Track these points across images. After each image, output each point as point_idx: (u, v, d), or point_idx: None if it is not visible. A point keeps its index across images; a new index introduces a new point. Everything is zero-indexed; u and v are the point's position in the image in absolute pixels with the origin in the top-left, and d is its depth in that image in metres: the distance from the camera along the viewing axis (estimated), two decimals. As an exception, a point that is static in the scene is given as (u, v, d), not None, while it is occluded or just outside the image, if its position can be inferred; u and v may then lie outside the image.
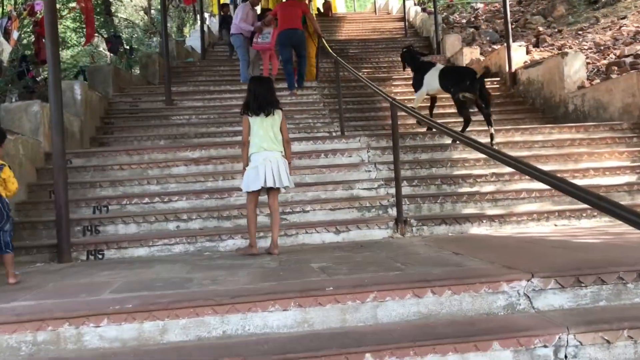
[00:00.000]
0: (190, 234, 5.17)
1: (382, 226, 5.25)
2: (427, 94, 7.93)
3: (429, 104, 8.23)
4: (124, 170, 6.33)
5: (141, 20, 20.75)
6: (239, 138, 8.40)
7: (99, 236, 5.30)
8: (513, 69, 10.08)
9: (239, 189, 5.81)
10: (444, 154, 6.65)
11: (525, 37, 13.75)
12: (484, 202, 5.73)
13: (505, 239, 4.83)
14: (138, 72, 12.77)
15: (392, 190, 5.89)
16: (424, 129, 7.83)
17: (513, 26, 15.80)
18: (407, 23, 17.78)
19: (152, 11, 20.30)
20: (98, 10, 14.73)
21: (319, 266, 3.74)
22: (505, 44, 10.63)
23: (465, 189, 5.98)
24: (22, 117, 6.46)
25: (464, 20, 18.12)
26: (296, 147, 6.80)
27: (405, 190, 5.89)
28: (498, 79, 10.53)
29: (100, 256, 4.99)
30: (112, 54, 13.97)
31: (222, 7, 14.75)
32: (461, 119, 7.23)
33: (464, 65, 12.52)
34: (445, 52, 13.89)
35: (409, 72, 12.26)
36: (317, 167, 6.31)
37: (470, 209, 5.65)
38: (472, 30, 16.14)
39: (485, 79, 7.70)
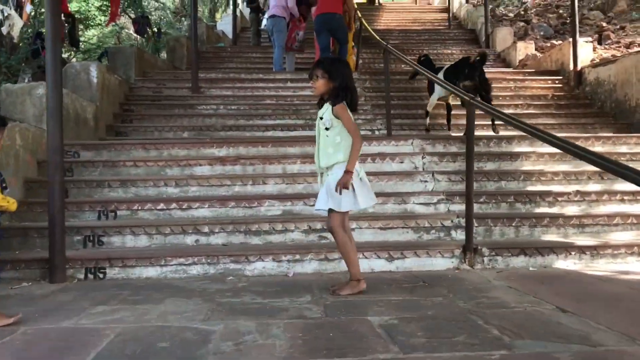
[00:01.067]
0: (211, 251, 4.19)
1: (445, 254, 4.21)
2: (441, 100, 7.28)
3: (445, 114, 7.42)
4: (138, 167, 5.37)
5: (172, 2, 19.84)
6: (271, 134, 7.47)
7: (102, 249, 4.36)
8: (579, 67, 8.88)
9: (271, 197, 4.85)
10: (514, 164, 5.57)
11: (583, 33, 12.47)
12: (568, 227, 4.64)
13: (611, 282, 3.75)
14: (165, 56, 11.86)
15: (455, 208, 4.85)
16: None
17: (568, 21, 14.51)
18: (450, 14, 16.56)
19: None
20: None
21: (381, 323, 2.72)
22: (569, 40, 9.44)
23: (544, 209, 4.90)
24: (26, 101, 5.55)
25: (511, 14, 16.83)
26: (338, 148, 5.79)
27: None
28: (560, 77, 9.33)
29: (101, 275, 4.03)
30: (139, 36, 13.07)
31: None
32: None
33: (517, 60, 11.35)
34: (495, 47, 12.70)
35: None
36: (364, 173, 5.30)
37: (552, 236, 4.58)
38: (522, 24, 14.88)
39: (485, 64, 7.21)
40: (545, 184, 5.24)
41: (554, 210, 4.88)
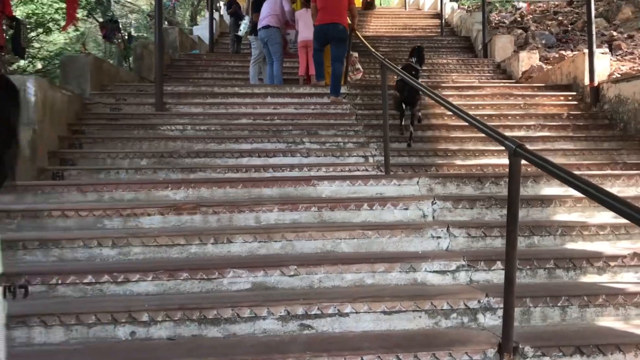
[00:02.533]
0: (151, 351, 2.97)
1: (474, 355, 3.01)
2: None
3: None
4: (68, 218, 4.09)
5: (148, 4, 18.52)
6: (247, 162, 6.19)
7: (-1, 347, 3.11)
8: (595, 82, 7.75)
9: (238, 264, 3.60)
10: (545, 211, 4.39)
11: (586, 43, 11.41)
12: (629, 307, 3.47)
13: None
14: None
15: (480, 277, 3.66)
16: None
17: (569, 29, 13.42)
18: (443, 20, 15.44)
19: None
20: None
21: None
22: (584, 50, 8.33)
23: (594, 278, 3.72)
24: None
25: (506, 21, 15.75)
26: (325, 188, 4.58)
27: (495, 275, 3.66)
28: (573, 93, 8.21)
29: (-10, 393, 2.78)
30: (107, 42, 11.79)
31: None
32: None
33: (520, 72, 10.23)
34: (494, 56, 11.58)
35: (460, 80, 10.07)
36: (358, 226, 4.08)
37: (610, 320, 3.39)
38: (520, 31, 13.80)
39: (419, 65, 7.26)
40: (589, 241, 4.07)
41: (609, 280, 3.71)
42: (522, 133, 7.08)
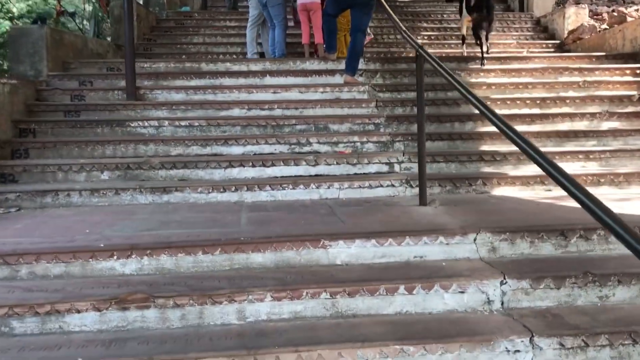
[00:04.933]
0: None
1: None
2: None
3: None
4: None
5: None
6: (237, 174, 4.71)
7: None
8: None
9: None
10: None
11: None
12: None
13: None
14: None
15: None
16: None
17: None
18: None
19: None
20: None
21: None
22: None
23: None
24: None
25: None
26: (340, 251, 3.14)
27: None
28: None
29: None
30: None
31: None
32: None
33: (566, 32, 8.50)
34: (533, 10, 9.79)
35: (496, 42, 8.43)
36: (389, 323, 2.65)
37: None
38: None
39: None
40: None
41: None
42: (584, 124, 5.53)
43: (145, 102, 5.59)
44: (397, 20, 4.94)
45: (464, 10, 7.36)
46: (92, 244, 3.01)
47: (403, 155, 4.82)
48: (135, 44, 7.95)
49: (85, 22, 9.86)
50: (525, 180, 4.60)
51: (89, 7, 10.13)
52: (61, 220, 3.75)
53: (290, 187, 4.42)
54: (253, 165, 4.69)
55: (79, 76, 6.03)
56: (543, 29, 9.15)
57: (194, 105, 5.55)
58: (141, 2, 8.67)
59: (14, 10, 11.26)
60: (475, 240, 3.13)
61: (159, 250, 2.98)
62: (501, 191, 4.54)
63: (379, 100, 5.73)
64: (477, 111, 5.66)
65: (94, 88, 5.86)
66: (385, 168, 4.80)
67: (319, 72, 6.27)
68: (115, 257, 2.96)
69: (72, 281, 2.89)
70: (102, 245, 2.98)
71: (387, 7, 5.41)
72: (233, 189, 4.37)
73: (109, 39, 9.04)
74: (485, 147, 5.16)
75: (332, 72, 6.26)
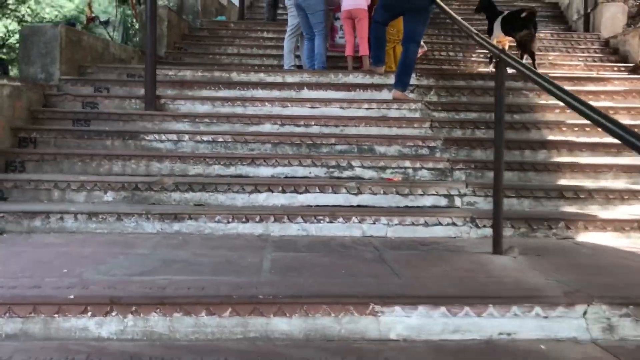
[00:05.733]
0: None
1: None
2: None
3: None
4: None
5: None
6: (264, 201, 3.96)
7: None
8: None
9: None
10: None
11: None
12: None
13: None
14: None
15: None
16: None
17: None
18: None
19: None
20: None
21: None
22: None
23: None
24: None
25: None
26: (395, 320, 2.27)
27: None
28: None
29: None
30: (119, 2, 9.53)
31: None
32: None
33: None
34: (600, 30, 8.82)
35: (560, 63, 7.52)
36: None
37: None
38: (626, -2, 10.84)
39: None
40: None
41: None
42: None
43: (165, 113, 4.86)
44: (466, 24, 4.10)
45: (498, 29, 6.74)
46: (60, 294, 2.22)
47: (466, 187, 3.95)
48: (165, 52, 7.38)
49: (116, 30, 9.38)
50: (619, 225, 3.68)
51: (119, 13, 9.61)
52: (43, 251, 3.00)
53: (327, 219, 3.60)
54: (283, 191, 3.89)
55: (94, 82, 5.36)
56: (613, 51, 8.18)
57: (219, 119, 4.80)
58: (174, 9, 8.02)
59: (46, 16, 10.89)
60: (585, 314, 2.23)
61: (148, 308, 2.18)
62: (589, 237, 3.63)
63: (433, 121, 4.88)
64: (551, 137, 4.82)
65: (109, 95, 5.18)
66: (443, 201, 3.93)
67: (363, 87, 5.48)
68: (89, 314, 2.17)
69: (28, 345, 2.10)
70: (72, 296, 2.19)
71: (451, 11, 4.57)
72: (257, 219, 3.57)
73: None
74: (564, 181, 4.25)
75: (379, 87, 5.46)
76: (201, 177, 4.13)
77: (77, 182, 3.87)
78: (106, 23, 10.55)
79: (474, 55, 7.89)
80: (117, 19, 9.42)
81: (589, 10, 9.11)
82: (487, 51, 6.69)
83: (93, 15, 10.09)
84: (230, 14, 10.26)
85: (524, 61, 5.98)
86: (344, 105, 5.13)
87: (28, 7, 10.62)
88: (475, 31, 3.84)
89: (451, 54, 7.82)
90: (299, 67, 6.97)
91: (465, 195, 3.95)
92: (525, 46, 6.55)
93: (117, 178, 4.00)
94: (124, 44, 8.66)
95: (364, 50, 6.16)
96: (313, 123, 4.82)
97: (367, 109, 5.13)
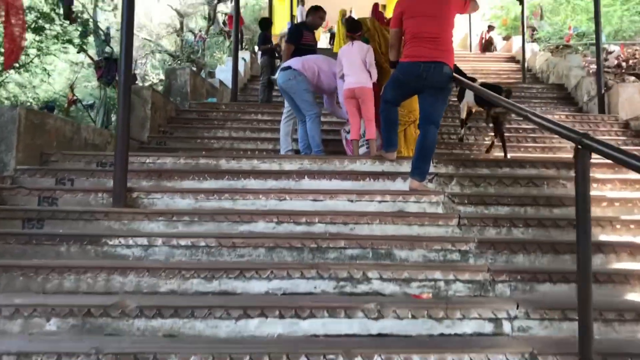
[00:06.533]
0: None
1: None
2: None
3: None
4: None
5: (174, 43, 15.75)
6: (254, 330, 2.91)
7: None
8: None
9: None
10: None
11: None
12: None
13: None
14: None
15: None
16: None
17: None
18: (525, 64, 12.23)
19: (188, 34, 15.24)
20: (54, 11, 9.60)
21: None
22: None
23: None
24: None
25: (608, 65, 12.40)
26: None
27: None
28: None
29: None
30: (103, 85, 8.94)
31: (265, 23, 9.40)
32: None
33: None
34: (617, 112, 8.23)
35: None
36: None
37: None
38: (633, 79, 10.46)
39: None
40: None
41: None
42: None
43: (136, 210, 3.99)
44: (520, 106, 3.34)
45: (470, 95, 6.60)
46: None
47: (517, 308, 3.04)
48: (147, 137, 6.65)
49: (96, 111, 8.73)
50: None
51: (111, 93, 8.96)
52: None
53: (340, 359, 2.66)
54: (281, 316, 2.96)
55: (57, 172, 4.53)
56: (635, 133, 7.54)
57: (202, 216, 3.93)
58: (160, 91, 7.37)
59: (25, 99, 10.28)
60: None
61: None
62: None
63: (461, 217, 4.03)
64: (604, 238, 3.96)
65: (72, 189, 4.33)
66: (488, 327, 3.01)
67: (374, 175, 4.67)
68: None
69: None
70: None
71: (486, 90, 3.84)
72: (247, 359, 2.62)
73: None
74: (635, 296, 3.36)
75: (391, 176, 4.66)
76: (175, 295, 3.21)
77: (10, 307, 2.94)
78: (91, 106, 9.94)
79: (487, 138, 7.21)
80: (100, 101, 8.76)
81: (602, 92, 8.56)
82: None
83: (75, 97, 9.48)
84: (222, 95, 9.67)
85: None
86: (353, 198, 4.30)
87: (5, 90, 10.06)
88: (524, 108, 3.08)
89: (470, 138, 7.15)
90: (297, 152, 6.22)
91: (516, 318, 3.04)
92: (500, 124, 6.43)
93: (66, 299, 3.07)
94: (102, 128, 7.92)
95: (371, 133, 5.42)
96: (317, 220, 3.96)
97: (380, 201, 4.29)
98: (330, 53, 7.22)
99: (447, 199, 4.33)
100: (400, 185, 4.57)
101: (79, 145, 5.33)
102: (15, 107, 4.47)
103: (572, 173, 4.87)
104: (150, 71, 13.17)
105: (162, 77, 12.12)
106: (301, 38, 6.16)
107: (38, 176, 4.46)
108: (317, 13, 6.24)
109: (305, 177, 4.63)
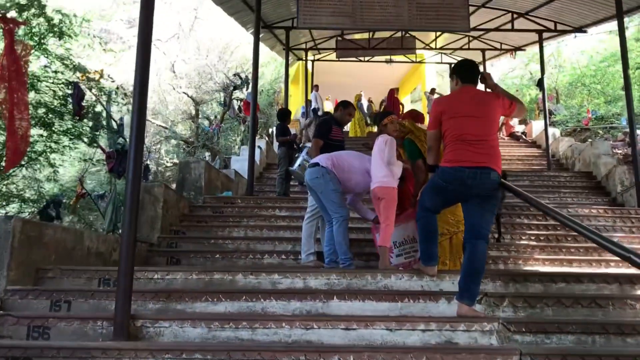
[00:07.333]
0: None
1: None
2: None
3: None
4: None
5: (189, 128, 15.60)
6: None
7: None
8: None
9: None
10: None
11: None
12: None
13: None
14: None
15: None
16: None
17: None
18: (549, 151, 11.80)
19: (204, 120, 15.15)
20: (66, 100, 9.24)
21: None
22: None
23: None
24: None
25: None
26: None
27: None
28: None
29: None
30: (115, 178, 8.56)
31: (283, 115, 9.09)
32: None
33: None
34: (661, 205, 7.62)
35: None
36: None
37: None
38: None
39: None
40: None
41: None
42: None
43: (139, 346, 3.37)
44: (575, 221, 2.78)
45: None
46: None
47: None
48: (158, 237, 6.13)
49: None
50: None
51: (112, 190, 8.53)
52: None
53: None
54: None
55: (52, 293, 3.95)
56: None
57: (216, 353, 3.30)
58: (172, 187, 6.91)
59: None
60: None
61: None
62: None
63: (523, 354, 3.36)
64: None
65: (68, 316, 3.73)
66: None
67: (413, 295, 4.05)
68: None
69: None
70: None
71: (544, 203, 3.29)
72: None
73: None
74: None
75: (433, 296, 4.04)
76: None
77: None
78: (101, 197, 9.55)
79: (524, 237, 6.61)
80: (109, 197, 8.31)
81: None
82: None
83: (84, 191, 9.10)
84: (237, 187, 9.21)
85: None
86: (392, 326, 3.66)
87: (14, 185, 9.73)
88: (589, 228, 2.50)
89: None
90: (320, 254, 5.61)
91: None
92: (499, 217, 6.28)
93: None
94: (110, 232, 7.42)
95: (384, 239, 4.79)
96: (352, 359, 3.31)
97: (423, 330, 3.65)
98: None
99: (502, 326, 3.68)
100: (444, 307, 3.94)
101: (81, 255, 4.79)
102: (10, 219, 3.97)
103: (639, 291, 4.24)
104: (164, 155, 12.87)
105: (176, 160, 11.83)
106: (330, 133, 5.74)
107: (31, 298, 3.89)
108: (346, 109, 5.86)
109: (334, 297, 4.02)
